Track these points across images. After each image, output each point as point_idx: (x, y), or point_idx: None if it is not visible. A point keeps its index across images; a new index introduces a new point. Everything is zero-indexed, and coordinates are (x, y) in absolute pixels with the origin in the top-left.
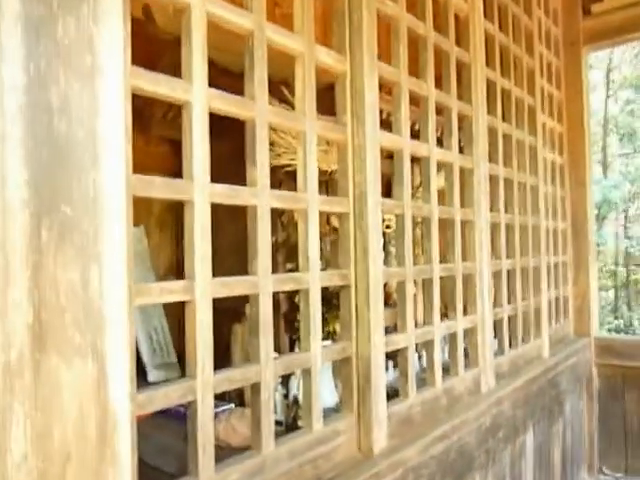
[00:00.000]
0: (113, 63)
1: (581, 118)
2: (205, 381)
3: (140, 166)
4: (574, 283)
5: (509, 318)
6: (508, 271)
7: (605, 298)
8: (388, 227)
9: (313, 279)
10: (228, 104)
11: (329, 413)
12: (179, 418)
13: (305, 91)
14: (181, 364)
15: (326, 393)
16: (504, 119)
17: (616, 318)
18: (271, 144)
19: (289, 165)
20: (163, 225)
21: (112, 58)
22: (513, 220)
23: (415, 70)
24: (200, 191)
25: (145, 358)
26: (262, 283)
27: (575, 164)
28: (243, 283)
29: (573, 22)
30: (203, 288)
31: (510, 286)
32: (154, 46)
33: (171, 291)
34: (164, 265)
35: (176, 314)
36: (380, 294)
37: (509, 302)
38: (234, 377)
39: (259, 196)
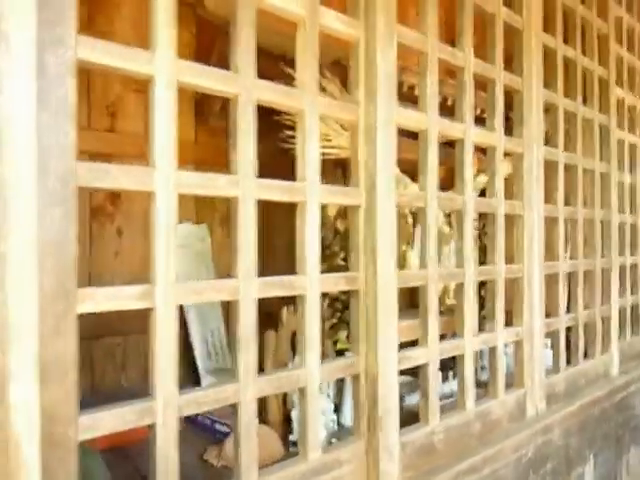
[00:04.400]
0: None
1: None
2: (167, 402)
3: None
4: None
5: (568, 330)
6: (568, 274)
7: None
8: None
9: (311, 284)
10: (203, 78)
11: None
12: (206, 429)
13: (306, 62)
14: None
15: (347, 411)
16: (567, 94)
17: None
18: (293, 129)
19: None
20: (227, 222)
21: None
22: (575, 214)
23: (452, 37)
24: (165, 180)
25: (199, 362)
26: (244, 288)
27: None
28: (220, 287)
29: None
30: (167, 293)
31: (570, 292)
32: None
33: (125, 297)
34: (226, 264)
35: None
36: (393, 301)
37: (568, 311)
38: (204, 398)
39: (240, 185)
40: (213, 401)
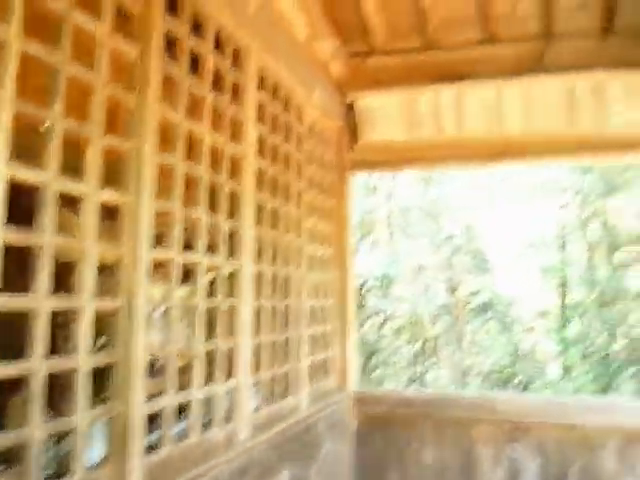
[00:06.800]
0: None
1: (345, 220)
2: None
3: None
4: (340, 347)
5: (271, 380)
6: (273, 342)
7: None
8: None
9: (83, 359)
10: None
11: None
12: None
13: (88, 221)
14: None
15: (99, 446)
16: (273, 227)
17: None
18: None
19: None
20: None
21: None
22: (275, 304)
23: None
24: None
25: None
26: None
27: (340, 254)
28: None
29: (342, 152)
30: None
31: (272, 355)
32: None
33: None
34: None
35: None
36: (141, 368)
37: (272, 368)
38: None
39: (38, 299)
40: None
